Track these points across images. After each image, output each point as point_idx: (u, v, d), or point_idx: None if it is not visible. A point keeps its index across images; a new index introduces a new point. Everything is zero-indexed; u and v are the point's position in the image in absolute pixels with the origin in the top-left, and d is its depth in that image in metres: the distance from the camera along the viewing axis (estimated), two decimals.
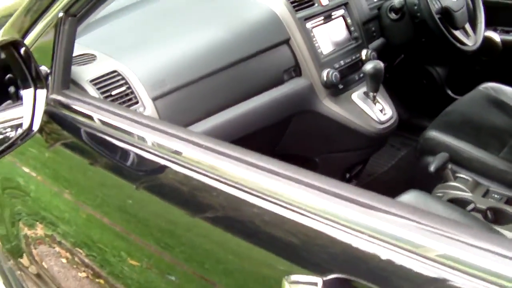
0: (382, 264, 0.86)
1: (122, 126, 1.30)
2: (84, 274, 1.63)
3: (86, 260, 1.59)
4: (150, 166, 1.29)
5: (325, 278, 0.90)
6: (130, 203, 1.35)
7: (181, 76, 1.78)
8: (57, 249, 1.67)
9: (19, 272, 1.98)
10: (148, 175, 1.31)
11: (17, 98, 1.41)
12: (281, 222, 0.99)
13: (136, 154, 1.31)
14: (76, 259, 1.61)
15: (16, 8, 1.52)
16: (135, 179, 1.34)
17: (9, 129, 1.41)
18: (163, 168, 1.23)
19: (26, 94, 1.38)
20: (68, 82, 1.50)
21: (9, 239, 1.88)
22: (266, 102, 1.97)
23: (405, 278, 0.84)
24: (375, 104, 2.24)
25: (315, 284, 0.91)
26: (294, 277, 0.94)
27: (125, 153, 1.35)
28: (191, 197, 1.20)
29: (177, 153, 1.18)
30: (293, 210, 0.95)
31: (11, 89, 1.41)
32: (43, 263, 1.78)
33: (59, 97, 1.46)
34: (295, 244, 0.98)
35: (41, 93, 1.38)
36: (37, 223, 1.71)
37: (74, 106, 1.44)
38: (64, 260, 1.68)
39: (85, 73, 1.67)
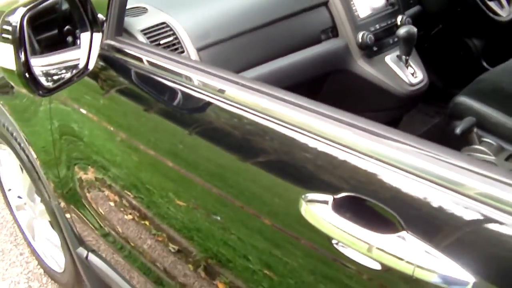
0: (387, 185, 1.00)
1: (173, 68, 1.44)
2: (130, 217, 1.77)
3: (134, 202, 1.74)
4: (200, 108, 1.42)
5: (335, 196, 1.04)
6: (181, 147, 1.48)
7: (224, 30, 1.92)
8: (107, 192, 1.83)
9: (69, 215, 2.16)
10: (199, 118, 1.44)
11: (74, 44, 1.56)
12: (300, 147, 1.14)
13: (188, 97, 1.44)
14: (124, 201, 1.76)
15: None
16: (185, 123, 1.47)
17: (64, 70, 1.55)
18: (213, 109, 1.36)
19: (83, 37, 1.53)
20: (121, 30, 1.65)
21: (63, 182, 2.05)
22: (303, 59, 2.09)
23: (406, 198, 0.98)
24: (407, 67, 2.34)
25: (326, 202, 1.05)
26: (309, 196, 1.08)
27: (175, 96, 1.49)
28: (241, 141, 1.32)
29: (228, 95, 1.31)
30: (321, 141, 1.10)
31: (69, 38, 1.56)
32: (95, 206, 1.94)
33: (113, 42, 1.61)
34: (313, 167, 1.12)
35: (97, 37, 1.53)
36: (89, 167, 1.87)
37: (126, 50, 1.58)
38: (112, 204, 1.84)
39: (136, 24, 1.83)
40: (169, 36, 1.82)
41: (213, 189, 1.39)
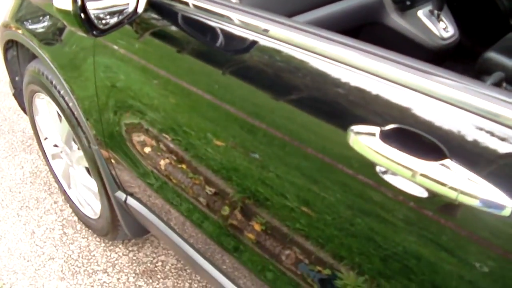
0: (431, 117, 1.07)
1: (220, 11, 1.49)
2: (168, 160, 1.84)
3: (171, 145, 1.81)
4: (237, 46, 1.48)
5: (383, 128, 1.11)
6: (217, 88, 1.54)
7: None
8: (147, 136, 1.90)
9: (109, 160, 2.23)
10: (235, 57, 1.50)
11: None
12: (349, 85, 1.20)
13: (224, 35, 1.50)
14: (163, 144, 1.83)
15: None
16: (222, 63, 1.53)
17: (115, 14, 1.61)
18: (249, 47, 1.42)
19: None
20: None
21: (104, 128, 2.12)
22: (339, 10, 2.14)
23: (449, 128, 1.05)
24: (439, 22, 2.39)
25: (373, 134, 1.12)
26: (356, 128, 1.15)
27: (213, 35, 1.54)
28: (276, 79, 1.38)
29: (264, 31, 1.37)
30: (362, 75, 1.17)
31: None
32: (135, 150, 2.01)
33: None
34: (360, 102, 1.19)
35: None
36: (131, 112, 1.94)
37: None
38: (151, 147, 1.91)
39: None
40: None
41: (254, 127, 1.45)
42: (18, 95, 3.13)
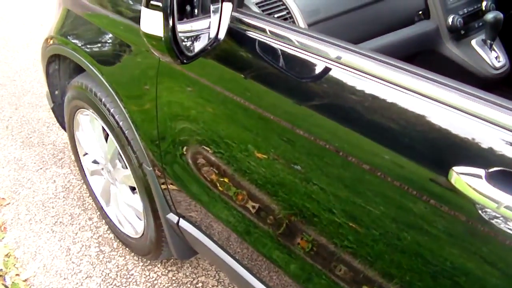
0: None
1: (286, 35, 1.50)
2: (226, 185, 1.85)
3: (213, 159, 1.82)
4: (309, 73, 1.48)
5: (488, 170, 1.10)
6: (290, 115, 1.52)
7: (332, 8, 1.98)
8: (207, 162, 1.90)
9: (163, 182, 2.21)
10: (309, 84, 1.48)
11: (204, 13, 1.61)
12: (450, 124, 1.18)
13: (296, 61, 1.49)
14: (223, 170, 1.83)
15: None
16: (296, 90, 1.50)
17: (198, 39, 1.60)
18: (322, 74, 1.42)
19: (214, 7, 1.58)
20: (243, 2, 1.69)
21: (163, 151, 2.11)
22: (398, 39, 2.15)
23: None
24: (491, 51, 2.40)
25: (479, 176, 1.11)
26: (460, 169, 1.14)
27: (287, 61, 1.52)
28: (349, 107, 1.36)
29: (337, 58, 1.37)
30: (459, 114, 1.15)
31: (199, 7, 1.61)
32: (194, 174, 2.00)
33: (237, 14, 1.65)
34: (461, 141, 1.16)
35: (227, 7, 1.58)
36: (193, 138, 1.93)
37: (249, 21, 1.62)
38: (209, 174, 1.91)
39: None
40: (281, 10, 1.87)
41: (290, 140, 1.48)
42: (56, 109, 3.11)
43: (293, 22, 1.88)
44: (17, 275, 2.85)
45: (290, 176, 1.54)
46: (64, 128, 3.17)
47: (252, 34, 1.60)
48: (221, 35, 1.59)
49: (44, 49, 2.82)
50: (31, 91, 4.43)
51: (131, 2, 2.10)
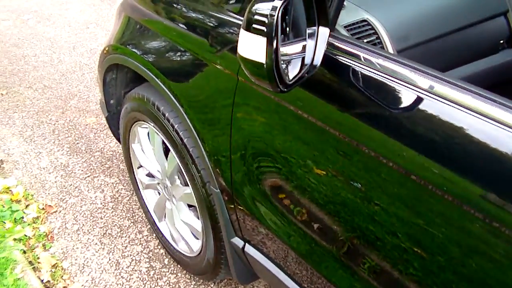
0: None
1: (381, 62, 1.41)
2: (298, 212, 1.76)
3: (288, 185, 1.74)
4: (400, 103, 1.39)
5: None
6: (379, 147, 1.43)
7: (421, 34, 1.88)
8: (281, 188, 1.81)
9: (231, 205, 2.12)
10: (399, 114, 1.39)
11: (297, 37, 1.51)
12: None
13: (387, 90, 1.41)
14: (298, 197, 1.73)
15: None
16: (390, 121, 1.42)
17: (294, 65, 1.50)
18: (414, 105, 1.34)
19: (310, 31, 1.49)
20: (335, 25, 1.60)
21: (234, 174, 2.01)
22: (482, 69, 2.04)
23: None
24: None
25: None
26: None
27: (378, 89, 1.44)
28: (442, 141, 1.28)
29: (430, 87, 1.29)
30: None
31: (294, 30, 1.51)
32: (266, 200, 1.91)
33: (329, 38, 1.55)
34: None
35: (324, 31, 1.49)
36: (268, 163, 1.84)
37: (342, 46, 1.53)
38: (284, 200, 1.82)
39: (339, 19, 1.77)
40: (370, 35, 1.77)
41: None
42: (110, 118, 3.04)
43: (382, 47, 1.78)
44: (64, 287, 2.78)
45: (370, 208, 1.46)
46: (117, 138, 3.10)
47: (344, 60, 1.51)
48: (317, 61, 1.49)
49: (103, 58, 2.74)
50: (77, 95, 4.37)
51: (202, 18, 2.02)
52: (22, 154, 3.72)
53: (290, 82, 1.42)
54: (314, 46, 1.49)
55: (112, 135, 3.19)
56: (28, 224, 3.12)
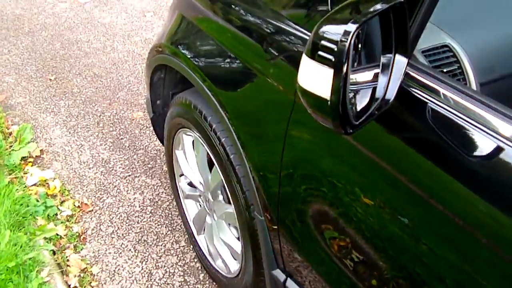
0: None
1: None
2: (349, 249, 1.57)
3: (341, 220, 1.55)
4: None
5: None
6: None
7: (509, 64, 1.62)
8: (332, 221, 1.63)
9: (275, 234, 1.92)
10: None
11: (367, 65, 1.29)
12: None
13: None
14: (351, 234, 1.54)
15: None
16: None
17: (362, 100, 1.29)
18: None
19: (385, 58, 1.27)
20: (412, 51, 1.37)
21: (282, 202, 1.81)
22: None
23: None
24: None
25: None
26: None
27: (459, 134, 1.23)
28: None
29: None
30: None
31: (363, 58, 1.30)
32: (316, 232, 1.71)
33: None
34: None
35: (401, 60, 1.26)
36: (321, 193, 1.63)
37: (419, 77, 1.31)
38: (335, 235, 1.63)
39: None
40: (451, 64, 1.53)
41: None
42: (156, 119, 2.85)
43: (463, 79, 1.54)
44: None
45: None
46: (161, 140, 2.92)
47: (420, 94, 1.29)
48: (391, 96, 1.27)
49: (152, 55, 2.56)
50: (127, 87, 4.20)
51: (265, 27, 1.81)
52: (63, 145, 3.57)
53: (357, 123, 1.20)
54: (389, 77, 1.26)
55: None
56: (61, 222, 2.97)
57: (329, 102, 1.12)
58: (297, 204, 1.73)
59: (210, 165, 2.35)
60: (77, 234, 2.92)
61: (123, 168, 3.40)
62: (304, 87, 1.17)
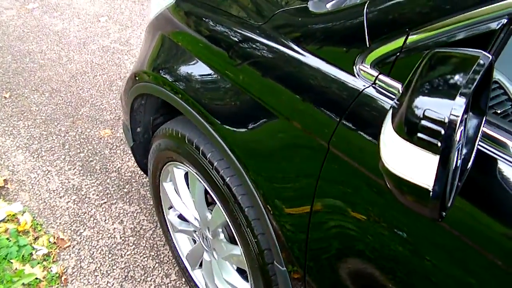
0: None
1: None
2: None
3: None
4: None
5: None
6: None
7: None
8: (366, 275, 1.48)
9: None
10: None
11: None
12: None
13: None
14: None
15: None
16: None
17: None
18: None
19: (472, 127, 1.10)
20: None
21: (310, 253, 1.64)
22: None
23: None
24: None
25: None
26: None
27: None
28: None
29: None
30: None
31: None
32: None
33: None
34: None
35: (478, 120, 1.10)
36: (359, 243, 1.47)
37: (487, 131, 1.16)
38: None
39: None
40: (503, 103, 1.37)
41: None
42: (136, 148, 2.63)
43: None
44: None
45: None
46: (143, 170, 2.70)
47: (490, 150, 1.13)
48: (471, 161, 1.10)
49: (132, 84, 2.33)
50: (89, 102, 3.95)
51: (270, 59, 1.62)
52: (28, 172, 3.31)
53: (450, 205, 1.02)
54: (472, 142, 1.10)
55: (131, 153, 2.78)
56: (38, 263, 2.73)
57: (431, 193, 0.94)
58: (330, 262, 1.57)
59: (207, 200, 2.17)
60: (57, 274, 2.69)
61: (97, 195, 3.17)
62: (394, 172, 0.99)
